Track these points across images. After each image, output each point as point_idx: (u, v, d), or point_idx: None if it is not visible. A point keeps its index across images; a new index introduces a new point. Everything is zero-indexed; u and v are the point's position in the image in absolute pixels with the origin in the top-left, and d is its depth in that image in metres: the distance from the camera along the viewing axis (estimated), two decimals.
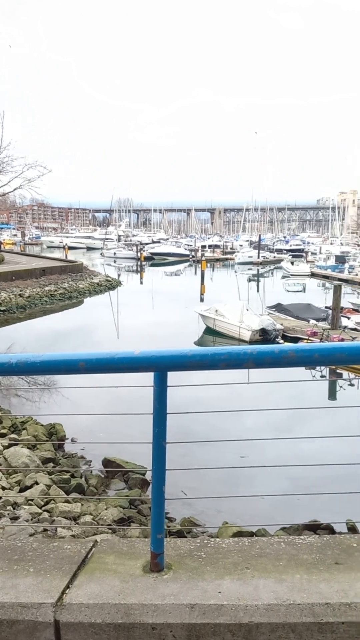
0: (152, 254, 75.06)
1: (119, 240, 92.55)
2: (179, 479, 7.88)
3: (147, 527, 2.58)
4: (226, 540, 2.47)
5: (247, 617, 1.97)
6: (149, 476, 8.98)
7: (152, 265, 68.85)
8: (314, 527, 7.61)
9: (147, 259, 67.84)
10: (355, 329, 22.79)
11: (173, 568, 2.25)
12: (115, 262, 70.26)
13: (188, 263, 73.17)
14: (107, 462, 9.81)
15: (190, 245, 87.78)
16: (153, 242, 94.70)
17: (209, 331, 24.79)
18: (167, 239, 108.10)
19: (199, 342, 23.01)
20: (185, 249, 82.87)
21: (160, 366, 2.16)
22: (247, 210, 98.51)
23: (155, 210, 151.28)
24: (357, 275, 50.56)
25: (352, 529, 7.32)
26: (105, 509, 7.73)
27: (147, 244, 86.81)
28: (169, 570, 2.23)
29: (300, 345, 2.25)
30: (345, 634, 1.94)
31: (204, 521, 8.09)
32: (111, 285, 42.40)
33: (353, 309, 28.94)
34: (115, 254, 76.48)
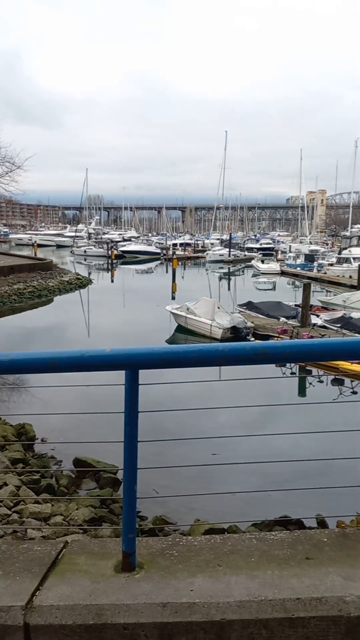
0: (123, 252, 74.73)
1: (89, 238, 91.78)
2: (151, 478, 7.87)
3: (118, 526, 2.56)
4: (198, 538, 2.47)
5: (220, 614, 1.97)
6: (120, 475, 8.93)
7: (123, 263, 68.53)
8: (285, 523, 7.70)
9: (118, 257, 67.51)
10: (324, 327, 23.12)
11: (145, 567, 2.23)
12: (85, 260, 69.69)
13: (159, 261, 73.11)
14: (77, 462, 9.73)
15: (162, 244, 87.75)
16: (124, 240, 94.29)
17: (181, 329, 24.82)
18: (138, 237, 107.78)
19: (171, 341, 23.02)
20: (157, 247, 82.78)
21: (132, 364, 2.14)
22: (218, 208, 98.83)
23: (126, 208, 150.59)
24: (325, 273, 51.29)
25: (321, 524, 7.43)
26: (76, 509, 7.66)
27: (118, 242, 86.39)
28: (140, 569, 2.22)
29: (271, 342, 2.26)
30: (316, 628, 1.96)
31: (176, 519, 8.09)
32: (81, 283, 42.03)
33: (322, 307, 29.36)
34: (85, 252, 75.86)
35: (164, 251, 78.18)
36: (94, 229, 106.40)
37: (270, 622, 1.96)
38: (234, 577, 2.13)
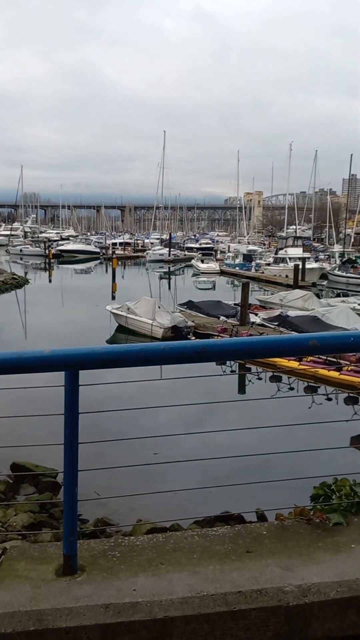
0: (61, 251, 73.41)
1: (25, 236, 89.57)
2: (92, 479, 7.77)
3: (59, 530, 2.51)
4: (140, 538, 2.47)
5: (162, 612, 1.98)
6: (60, 478, 8.78)
7: (61, 262, 67.32)
8: (226, 518, 7.82)
9: (55, 256, 66.24)
10: (262, 325, 23.64)
11: (87, 570, 2.21)
12: (21, 259, 67.96)
13: (99, 261, 72.36)
14: (15, 467, 9.47)
15: (101, 243, 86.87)
16: (62, 239, 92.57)
17: (121, 329, 24.68)
18: (77, 236, 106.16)
19: (111, 341, 22.85)
20: (96, 247, 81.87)
21: (71, 365, 2.11)
22: (158, 208, 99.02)
23: (63, 207, 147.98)
24: (263, 273, 52.45)
25: (261, 517, 7.59)
26: (15, 515, 7.47)
27: (55, 240, 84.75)
28: (82, 572, 2.19)
29: (211, 340, 2.29)
30: (257, 619, 2.00)
31: (118, 520, 8.04)
32: (18, 283, 40.98)
33: (260, 306, 30.01)
34: (21, 250, 74.00)
35: (104, 250, 77.46)
36: (30, 228, 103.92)
37: (212, 617, 1.98)
38: (177, 575, 2.15)
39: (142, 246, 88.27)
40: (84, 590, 2.07)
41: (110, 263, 45.21)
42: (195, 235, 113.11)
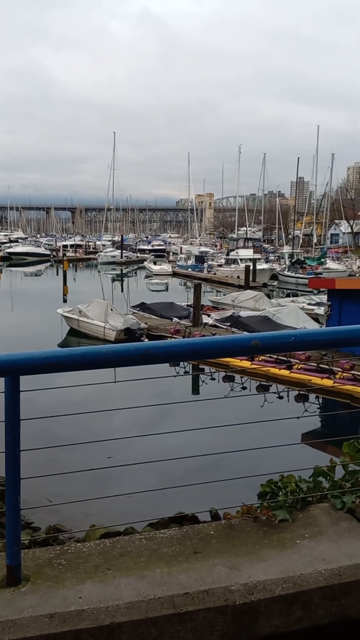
0: (10, 253, 71.88)
1: None
2: (43, 486, 7.62)
3: (2, 540, 2.45)
4: (87, 544, 2.43)
5: (109, 618, 1.95)
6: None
7: (10, 265, 65.87)
8: (180, 519, 7.81)
9: (4, 259, 64.83)
10: (214, 326, 23.84)
11: (32, 579, 2.16)
12: None
13: (49, 263, 71.24)
14: None
15: (51, 245, 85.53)
16: (10, 241, 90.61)
17: (73, 333, 24.36)
18: (26, 238, 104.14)
19: (63, 344, 22.50)
20: (46, 249, 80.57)
21: (10, 370, 2.05)
22: (109, 210, 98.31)
23: (11, 208, 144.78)
24: (215, 274, 52.93)
25: (215, 517, 7.63)
26: None
27: (3, 243, 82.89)
28: (27, 582, 2.14)
29: (155, 342, 2.28)
30: (204, 620, 2.01)
31: (70, 526, 7.91)
32: None
33: (212, 307, 30.26)
34: None
35: (54, 253, 76.31)
36: None
37: (160, 620, 1.97)
38: (124, 579, 2.13)
39: (93, 248, 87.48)
40: (28, 601, 2.02)
41: (61, 265, 44.55)
42: (147, 237, 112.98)
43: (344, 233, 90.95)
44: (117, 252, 70.73)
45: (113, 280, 54.87)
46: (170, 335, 22.17)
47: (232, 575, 2.13)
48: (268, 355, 19.20)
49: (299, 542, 2.35)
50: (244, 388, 18.75)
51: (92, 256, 77.27)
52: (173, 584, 2.09)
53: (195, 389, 18.56)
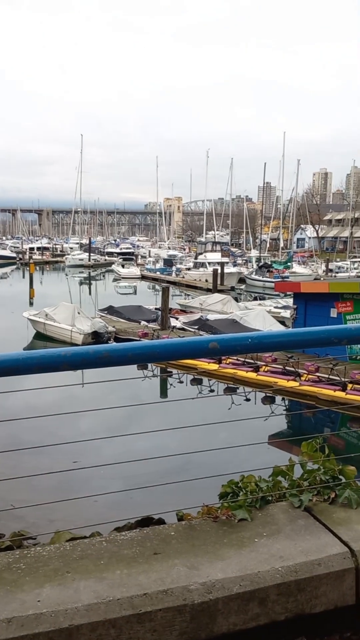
0: None
1: None
2: (7, 492, 7.53)
3: None
4: (47, 548, 2.42)
5: (67, 620, 1.95)
6: None
7: None
8: (147, 522, 7.81)
9: None
10: (182, 329, 23.92)
11: None
12: None
13: (15, 266, 70.29)
14: None
15: (17, 247, 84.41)
16: None
17: (40, 336, 24.10)
18: None
19: (29, 348, 22.22)
20: (12, 251, 79.45)
21: None
22: (77, 212, 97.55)
23: None
24: (183, 277, 53.11)
25: (181, 519, 7.66)
26: None
27: None
28: None
29: (115, 345, 2.30)
30: (163, 619, 2.03)
31: (36, 532, 7.81)
32: None
33: (181, 310, 30.36)
34: None
35: (20, 255, 75.30)
36: None
37: (119, 621, 1.99)
38: (83, 582, 2.13)
39: (60, 251, 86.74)
40: None
41: (28, 268, 43.99)
42: (115, 240, 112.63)
43: (309, 237, 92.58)
44: (85, 255, 70.27)
45: (81, 283, 54.46)
46: (139, 338, 22.15)
47: (191, 574, 2.16)
48: (235, 357, 19.39)
49: (257, 541, 2.39)
50: (212, 390, 18.85)
51: (59, 259, 76.57)
52: (132, 585, 2.10)
53: (164, 392, 18.59)
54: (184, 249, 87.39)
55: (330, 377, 17.07)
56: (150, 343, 2.23)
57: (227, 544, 2.38)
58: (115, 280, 56.45)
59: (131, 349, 2.21)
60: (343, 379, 16.88)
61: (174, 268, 57.88)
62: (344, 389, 16.47)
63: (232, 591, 2.12)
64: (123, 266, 62.11)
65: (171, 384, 19.32)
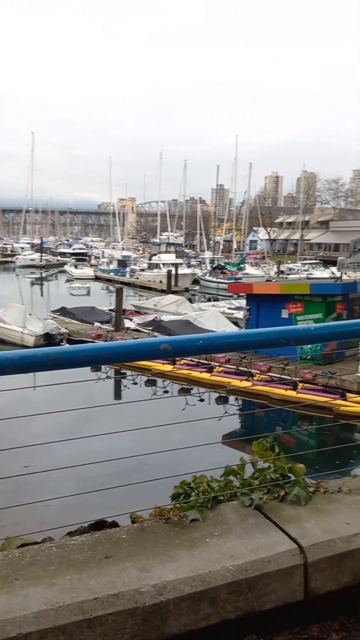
0: None
1: None
2: None
3: None
4: None
5: (16, 629, 1.91)
6: None
7: None
8: (100, 525, 7.74)
9: None
10: (137, 330, 23.86)
11: None
12: None
13: None
14: None
15: None
16: None
17: None
18: None
19: None
20: None
21: None
22: (28, 211, 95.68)
23: None
24: (138, 278, 53.01)
25: (135, 522, 7.63)
26: None
27: None
28: None
29: (64, 347, 2.27)
30: (114, 623, 2.01)
31: None
32: None
33: (135, 311, 30.29)
34: None
35: None
36: None
37: (69, 627, 1.96)
38: (32, 589, 2.09)
39: (11, 251, 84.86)
40: None
41: None
42: (68, 240, 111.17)
43: (262, 240, 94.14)
44: (37, 255, 69.04)
45: (32, 284, 53.50)
46: (92, 340, 21.95)
47: (143, 577, 2.16)
48: (189, 358, 19.49)
49: (209, 541, 2.41)
50: (166, 392, 18.89)
51: (9, 259, 74.96)
52: (83, 590, 2.08)
53: (118, 394, 18.49)
54: (138, 250, 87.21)
55: (282, 376, 17.41)
56: (101, 345, 2.21)
57: (179, 544, 2.39)
58: (68, 281, 55.72)
59: (81, 351, 2.18)
60: (294, 379, 17.25)
61: (128, 269, 57.70)
62: (294, 388, 16.83)
63: (184, 592, 2.12)
64: (76, 267, 61.39)
65: (125, 386, 19.22)
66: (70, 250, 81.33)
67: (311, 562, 2.33)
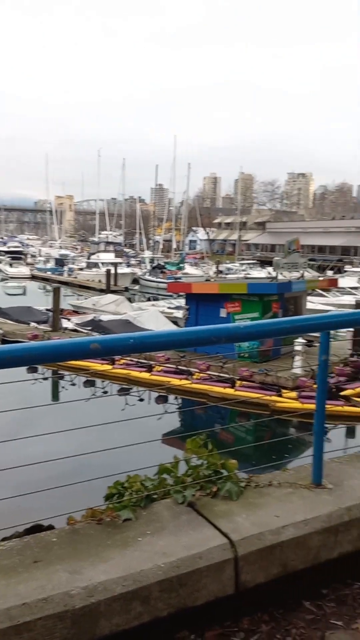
0: None
1: None
2: None
3: None
4: None
5: None
6: None
7: None
8: (37, 529, 7.58)
9: None
10: (75, 330, 23.52)
11: None
12: None
13: None
14: None
15: None
16: None
17: None
18: None
19: None
20: None
21: None
22: None
23: None
24: (76, 277, 52.26)
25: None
26: None
27: None
28: None
29: None
30: (43, 628, 1.98)
31: None
32: None
33: (73, 311, 29.82)
34: None
35: None
36: None
37: None
38: None
39: None
40: None
41: None
42: (2, 238, 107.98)
43: (201, 240, 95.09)
44: None
45: None
46: (28, 340, 21.43)
47: (73, 579, 2.13)
48: (129, 358, 19.41)
49: (141, 539, 2.41)
50: (105, 392, 18.74)
51: None
52: (11, 596, 2.02)
53: (55, 395, 18.15)
54: (77, 249, 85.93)
55: (221, 374, 17.66)
56: (27, 345, 2.16)
57: (111, 545, 2.37)
58: (2, 280, 54.10)
59: (8, 352, 2.13)
60: (232, 376, 17.54)
61: (65, 268, 56.73)
62: (233, 386, 17.11)
63: (115, 592, 2.11)
64: (11, 265, 59.75)
65: (63, 387, 18.88)
66: (5, 249, 78.93)
67: (241, 555, 2.38)
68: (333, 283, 30.37)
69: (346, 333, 20.74)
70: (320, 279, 34.82)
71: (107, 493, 2.87)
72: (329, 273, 52.27)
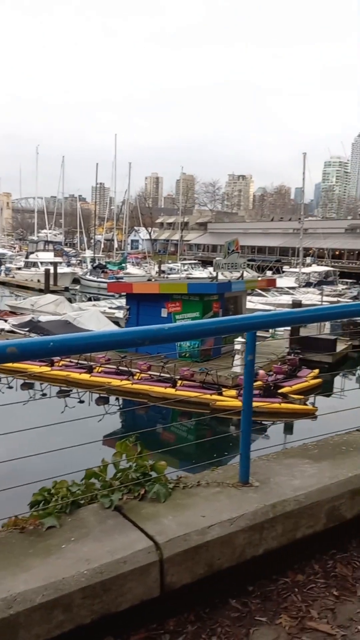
0: None
1: None
2: None
3: None
4: None
5: None
6: None
7: None
8: None
9: None
10: (12, 331, 22.93)
11: None
12: None
13: None
14: None
15: None
16: None
17: None
18: None
19: None
20: None
21: None
22: None
23: None
24: (14, 277, 50.98)
25: None
26: None
27: None
28: None
29: None
30: None
31: None
32: None
33: (10, 312, 29.05)
34: None
35: None
36: None
37: None
38: None
39: None
40: None
41: None
42: None
43: (143, 239, 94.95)
44: None
45: None
46: None
47: None
48: (68, 359, 19.10)
49: (65, 547, 2.36)
50: (44, 394, 18.38)
51: None
52: None
53: None
54: (15, 248, 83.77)
55: (162, 374, 17.69)
56: None
57: (33, 554, 2.31)
58: None
59: None
60: (173, 376, 17.60)
61: (3, 267, 55.24)
62: (174, 386, 17.18)
63: (35, 602, 2.06)
64: None
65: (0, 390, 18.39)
66: None
67: (167, 557, 2.37)
68: (272, 283, 31.09)
69: (283, 332, 21.28)
70: (260, 279, 35.57)
71: (32, 500, 2.79)
72: (268, 273, 53.45)
